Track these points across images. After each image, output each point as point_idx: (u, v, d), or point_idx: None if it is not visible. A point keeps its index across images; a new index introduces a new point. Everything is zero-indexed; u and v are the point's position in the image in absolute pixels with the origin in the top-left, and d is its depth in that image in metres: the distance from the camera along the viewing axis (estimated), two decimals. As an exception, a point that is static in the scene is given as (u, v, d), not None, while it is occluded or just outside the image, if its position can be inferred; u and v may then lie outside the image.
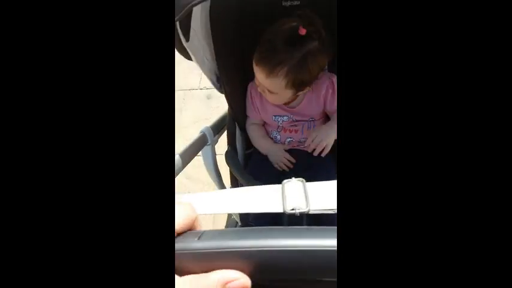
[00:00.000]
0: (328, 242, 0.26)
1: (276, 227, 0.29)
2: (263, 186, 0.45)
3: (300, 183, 0.43)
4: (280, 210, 0.41)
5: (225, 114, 0.93)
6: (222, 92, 0.86)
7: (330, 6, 0.71)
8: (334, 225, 0.30)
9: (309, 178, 0.87)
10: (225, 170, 0.90)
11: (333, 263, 0.26)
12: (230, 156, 0.85)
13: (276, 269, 0.26)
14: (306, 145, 0.82)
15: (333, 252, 0.25)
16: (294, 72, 0.69)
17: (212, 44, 0.75)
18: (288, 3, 0.73)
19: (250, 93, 0.85)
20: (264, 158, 0.88)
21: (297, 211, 0.39)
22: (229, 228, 0.77)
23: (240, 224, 0.93)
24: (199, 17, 0.67)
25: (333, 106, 0.82)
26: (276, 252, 0.26)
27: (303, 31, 0.66)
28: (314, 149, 0.80)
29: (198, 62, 0.72)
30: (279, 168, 0.85)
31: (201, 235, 0.29)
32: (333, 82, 0.79)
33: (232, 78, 0.82)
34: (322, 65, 0.74)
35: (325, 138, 0.79)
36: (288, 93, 0.74)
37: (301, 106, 0.82)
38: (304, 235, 0.27)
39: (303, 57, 0.68)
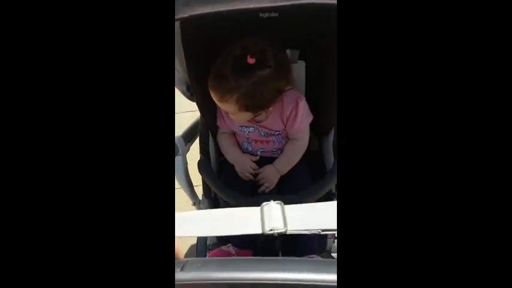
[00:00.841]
0: (315, 276, 0.27)
1: (260, 258, 0.29)
2: (242, 208, 0.46)
3: (278, 205, 0.44)
4: (259, 231, 0.42)
5: (197, 122, 0.92)
6: (192, 101, 0.85)
7: (309, 18, 0.73)
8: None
9: (284, 186, 0.88)
10: (197, 178, 0.89)
11: None
12: (203, 165, 0.85)
13: None
14: (256, 180, 0.85)
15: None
16: (244, 98, 0.70)
17: (183, 55, 0.74)
18: (266, 15, 0.73)
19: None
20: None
21: (276, 231, 0.41)
22: (212, 258, 0.76)
23: (211, 240, 0.92)
24: None
25: (291, 129, 0.83)
26: (265, 286, 0.27)
27: (251, 60, 0.67)
28: None
29: None
30: (243, 177, 0.85)
31: (184, 265, 0.29)
32: (298, 105, 0.80)
33: (204, 87, 0.82)
34: (277, 88, 0.74)
35: (269, 180, 0.84)
36: (245, 115, 0.76)
37: (266, 121, 0.83)
38: (293, 268, 0.28)
39: (252, 85, 0.69)
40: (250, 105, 0.72)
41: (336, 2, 0.45)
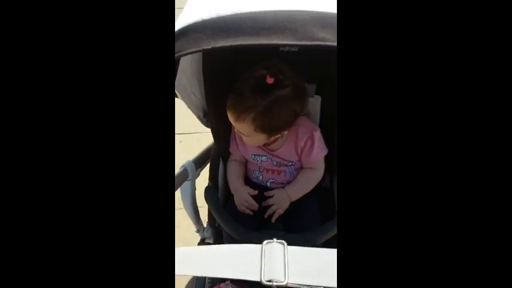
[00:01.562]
0: None
1: None
2: (242, 247, 0.42)
3: (281, 246, 0.41)
4: (257, 279, 0.38)
5: (209, 148, 0.91)
6: (208, 127, 0.84)
7: (328, 54, 0.72)
8: None
9: (292, 222, 0.84)
10: (203, 203, 0.86)
11: None
12: (210, 192, 0.82)
13: None
14: (264, 204, 0.82)
15: None
16: (260, 118, 0.69)
17: (202, 80, 0.73)
18: (286, 49, 0.73)
19: (234, 130, 0.83)
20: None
21: (274, 284, 0.37)
22: None
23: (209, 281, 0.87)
24: (190, 55, 0.66)
25: (307, 159, 0.81)
26: None
27: (270, 80, 0.67)
28: None
29: (183, 99, 0.70)
30: (240, 209, 0.82)
31: None
32: (313, 136, 0.79)
33: (220, 113, 0.81)
34: (294, 111, 0.73)
35: (279, 205, 0.81)
36: (260, 137, 0.74)
37: (280, 151, 0.81)
38: None
39: (269, 104, 0.68)
40: (266, 125, 0.70)
41: None
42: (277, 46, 0.45)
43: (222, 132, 0.83)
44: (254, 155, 0.83)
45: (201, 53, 0.70)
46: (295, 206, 0.84)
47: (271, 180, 0.85)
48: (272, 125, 0.71)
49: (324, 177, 0.86)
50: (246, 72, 0.70)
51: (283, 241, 0.41)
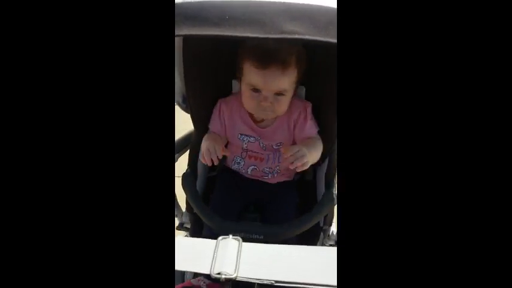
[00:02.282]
0: None
1: None
2: (198, 239, 0.43)
3: (236, 242, 0.41)
4: (207, 272, 0.38)
5: (189, 134, 0.90)
6: (187, 112, 0.83)
7: (310, 46, 0.71)
8: None
9: (272, 210, 0.84)
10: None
11: None
12: (187, 180, 0.82)
13: None
14: (284, 157, 0.73)
15: None
16: (299, 64, 0.69)
17: (182, 65, 0.72)
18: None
19: (220, 108, 0.81)
20: (228, 187, 0.86)
21: (223, 276, 0.37)
22: None
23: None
24: None
25: (302, 133, 0.78)
26: None
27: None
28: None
29: None
30: (203, 161, 0.74)
31: None
32: (306, 108, 0.78)
33: (202, 98, 0.80)
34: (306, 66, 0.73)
35: (308, 155, 0.69)
36: (292, 92, 0.72)
37: (271, 128, 0.79)
38: None
39: (298, 52, 0.69)
40: (300, 73, 0.70)
41: (327, 39, 0.42)
42: (243, 39, 0.43)
43: (202, 117, 0.82)
44: (241, 135, 0.80)
45: (180, 38, 0.69)
46: (274, 197, 0.84)
47: (252, 166, 0.84)
48: (302, 74, 0.71)
49: (306, 170, 0.85)
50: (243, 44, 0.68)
51: (239, 238, 0.42)
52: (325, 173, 0.82)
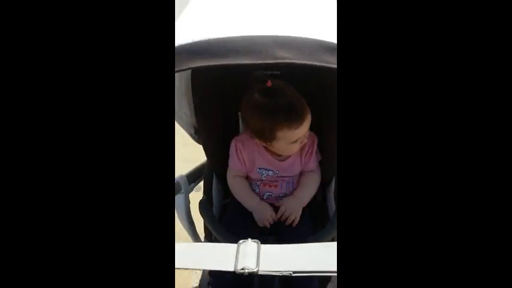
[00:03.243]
0: None
1: None
2: (220, 244, 0.47)
3: (255, 244, 0.45)
4: (231, 269, 0.42)
5: (203, 164, 0.96)
6: (199, 143, 0.90)
7: (309, 75, 0.79)
8: None
9: (285, 235, 0.87)
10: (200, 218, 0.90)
11: None
12: (204, 206, 0.86)
13: None
14: (277, 215, 0.84)
15: None
16: (310, 112, 0.77)
17: (192, 100, 0.80)
18: (269, 72, 0.80)
19: (236, 146, 0.87)
20: (242, 212, 0.89)
21: (246, 271, 0.41)
22: None
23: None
24: (179, 76, 0.73)
25: (306, 165, 0.86)
26: None
27: (269, 83, 0.75)
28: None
29: (175, 118, 0.76)
30: (261, 225, 0.85)
31: None
32: (313, 143, 0.85)
33: (211, 131, 0.87)
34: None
35: (294, 212, 0.83)
36: (303, 138, 0.80)
37: (288, 161, 0.86)
38: None
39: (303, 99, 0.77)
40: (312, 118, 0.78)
41: (311, 62, 0.50)
42: (247, 66, 0.51)
43: (212, 149, 0.88)
44: (260, 169, 0.86)
45: (189, 75, 0.77)
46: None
47: (267, 193, 0.89)
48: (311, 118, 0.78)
49: (316, 192, 0.90)
50: (248, 98, 0.77)
51: (258, 240, 0.46)
52: (334, 191, 0.86)
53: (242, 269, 0.41)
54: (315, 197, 0.90)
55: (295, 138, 0.78)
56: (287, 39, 0.52)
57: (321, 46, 0.52)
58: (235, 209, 0.92)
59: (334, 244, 0.41)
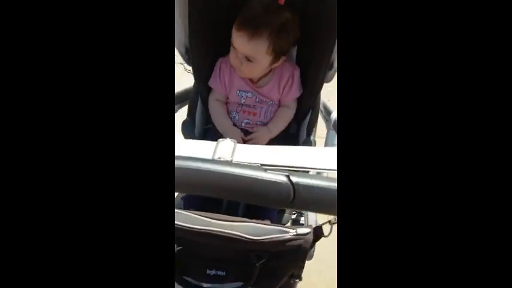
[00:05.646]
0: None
1: (195, 157, 0.35)
2: (199, 140, 0.53)
3: (232, 142, 0.51)
4: (209, 158, 0.48)
5: (190, 88, 0.99)
6: (189, 64, 0.92)
7: (306, 3, 0.80)
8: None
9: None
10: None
11: None
12: (187, 126, 0.92)
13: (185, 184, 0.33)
14: (246, 138, 0.90)
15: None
16: (274, 36, 0.77)
17: (187, 17, 0.81)
18: None
19: (220, 67, 0.91)
20: (220, 138, 0.95)
21: (222, 159, 0.47)
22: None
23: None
24: None
25: (286, 97, 0.91)
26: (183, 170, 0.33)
27: (282, 1, 0.76)
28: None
29: None
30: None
31: None
32: (294, 75, 0.88)
33: (203, 52, 0.89)
34: (296, 35, 0.83)
35: (261, 140, 0.89)
36: (265, 61, 0.82)
37: (266, 87, 0.90)
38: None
39: (282, 24, 0.77)
40: (277, 46, 0.79)
41: None
42: None
43: (203, 69, 0.91)
44: (240, 91, 0.90)
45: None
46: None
47: (246, 120, 0.94)
48: (281, 46, 0.80)
49: (291, 125, 0.96)
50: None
51: (235, 140, 0.52)
52: (308, 122, 0.93)
53: (219, 157, 0.48)
54: (288, 129, 0.97)
55: (232, 41, 0.79)
56: None
57: None
58: (214, 136, 0.97)
59: (307, 147, 0.47)
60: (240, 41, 0.78)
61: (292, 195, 0.33)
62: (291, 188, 0.34)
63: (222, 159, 0.48)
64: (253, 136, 0.90)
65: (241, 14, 0.79)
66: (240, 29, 0.78)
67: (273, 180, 0.34)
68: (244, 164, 0.36)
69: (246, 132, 0.93)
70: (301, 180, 0.35)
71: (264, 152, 0.50)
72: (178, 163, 0.36)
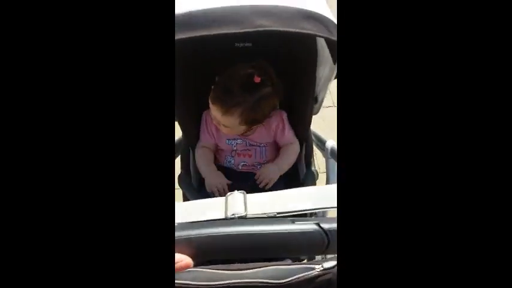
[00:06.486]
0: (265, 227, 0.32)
1: (217, 220, 0.34)
2: (208, 199, 0.51)
3: (241, 195, 0.50)
4: (222, 216, 0.47)
5: (179, 140, 0.99)
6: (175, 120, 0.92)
7: (278, 47, 0.83)
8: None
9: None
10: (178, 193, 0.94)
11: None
12: (183, 179, 0.90)
13: (213, 251, 0.32)
14: (255, 178, 0.89)
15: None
16: (247, 112, 0.80)
17: None
18: (241, 45, 0.84)
19: (206, 120, 0.92)
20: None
21: (236, 215, 0.46)
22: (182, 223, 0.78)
23: None
24: None
25: (282, 139, 0.92)
26: (213, 238, 0.32)
27: (257, 79, 0.78)
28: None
29: None
30: (209, 191, 0.88)
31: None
32: (282, 119, 0.91)
33: (188, 107, 0.90)
34: (274, 105, 0.86)
35: (271, 177, 0.88)
36: (240, 128, 0.84)
37: (254, 135, 0.91)
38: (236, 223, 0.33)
39: (256, 101, 0.79)
40: (251, 118, 0.81)
41: (289, 29, 0.55)
42: (227, 35, 0.55)
43: (189, 123, 0.91)
44: (228, 140, 0.91)
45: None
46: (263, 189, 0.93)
47: (242, 163, 0.93)
48: (255, 118, 0.82)
49: None
50: (230, 69, 0.80)
51: (244, 191, 0.51)
52: (305, 155, 0.93)
53: (233, 214, 0.46)
54: None
55: (215, 117, 0.83)
56: (266, 7, 0.56)
57: (298, 14, 0.56)
58: None
59: (319, 187, 0.47)
60: (214, 113, 0.82)
61: (326, 242, 0.32)
62: (324, 235, 0.33)
63: (236, 215, 0.46)
64: (264, 176, 0.88)
65: (216, 88, 0.80)
66: (213, 102, 0.80)
67: (304, 230, 0.33)
68: (269, 219, 0.35)
69: (245, 175, 0.93)
70: (332, 226, 0.35)
71: (276, 198, 0.49)
72: (198, 232, 0.34)
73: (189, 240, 0.31)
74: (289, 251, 0.33)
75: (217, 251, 0.32)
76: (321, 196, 0.50)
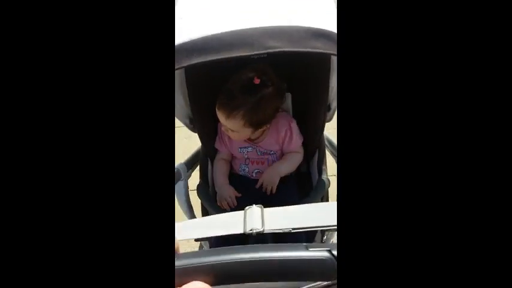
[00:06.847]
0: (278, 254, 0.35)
1: (235, 246, 0.37)
2: (227, 213, 0.55)
3: (259, 209, 0.53)
4: (241, 231, 0.50)
5: (198, 151, 1.03)
6: (194, 131, 0.97)
7: (292, 56, 0.85)
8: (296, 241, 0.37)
9: (276, 202, 0.97)
10: (196, 202, 0.98)
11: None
12: (202, 189, 0.94)
13: (232, 277, 0.34)
14: (257, 185, 0.93)
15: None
16: (249, 114, 0.83)
17: (187, 92, 0.86)
18: (256, 56, 0.87)
19: (220, 129, 0.96)
20: (236, 187, 0.96)
21: (254, 231, 0.49)
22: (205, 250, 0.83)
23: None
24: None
25: (288, 147, 0.95)
26: (232, 264, 0.35)
27: (257, 81, 0.81)
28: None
29: None
30: (219, 204, 0.91)
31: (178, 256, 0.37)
32: (291, 127, 0.93)
33: (205, 119, 0.94)
34: (276, 106, 0.89)
35: (270, 180, 0.92)
36: (247, 131, 0.88)
37: (263, 142, 0.95)
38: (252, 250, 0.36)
39: (257, 102, 0.82)
40: (254, 120, 0.84)
41: (299, 49, 0.57)
42: (240, 58, 0.58)
43: (207, 135, 0.96)
44: (240, 148, 0.95)
45: (183, 71, 0.84)
46: (277, 191, 0.96)
47: (256, 170, 0.97)
48: (258, 119, 0.85)
49: (301, 163, 0.99)
50: (233, 75, 0.83)
51: (261, 205, 0.54)
52: (317, 162, 0.96)
53: (251, 230, 0.50)
54: (299, 168, 1.00)
55: (222, 123, 0.85)
56: (276, 29, 0.59)
57: (307, 33, 0.59)
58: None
59: (332, 203, 0.49)
60: (220, 118, 0.85)
61: (336, 269, 0.35)
62: (335, 262, 0.35)
63: (254, 231, 0.49)
64: (267, 183, 0.92)
65: (221, 95, 0.84)
66: (218, 108, 0.84)
67: (317, 257, 0.35)
68: (284, 245, 0.37)
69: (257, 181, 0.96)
70: None
71: (292, 214, 0.52)
72: (216, 258, 0.36)
73: (208, 267, 0.34)
74: (301, 277, 0.35)
75: (233, 276, 0.35)
76: (335, 213, 0.52)
